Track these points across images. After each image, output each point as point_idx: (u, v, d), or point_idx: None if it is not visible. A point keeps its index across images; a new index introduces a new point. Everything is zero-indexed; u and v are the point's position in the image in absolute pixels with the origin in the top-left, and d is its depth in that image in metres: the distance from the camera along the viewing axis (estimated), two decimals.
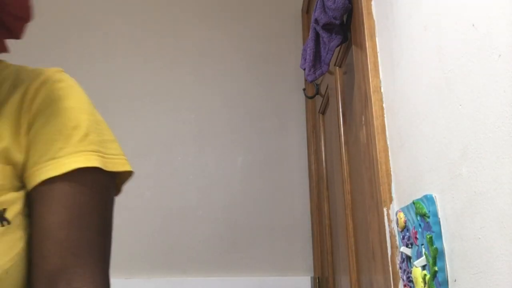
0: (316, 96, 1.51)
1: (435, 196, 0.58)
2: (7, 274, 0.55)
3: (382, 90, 0.80)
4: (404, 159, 0.70)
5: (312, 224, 1.54)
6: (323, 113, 1.44)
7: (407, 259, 0.66)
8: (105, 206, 0.60)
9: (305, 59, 1.11)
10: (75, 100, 0.60)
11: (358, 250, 0.96)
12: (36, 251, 0.57)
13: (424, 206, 0.59)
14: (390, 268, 0.72)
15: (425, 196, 0.59)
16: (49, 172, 0.57)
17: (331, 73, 1.22)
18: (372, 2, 0.85)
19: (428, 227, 0.58)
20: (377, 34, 0.83)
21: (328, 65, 1.01)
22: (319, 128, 1.49)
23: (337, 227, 1.19)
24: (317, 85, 1.48)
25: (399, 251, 0.69)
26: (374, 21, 0.84)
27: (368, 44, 0.83)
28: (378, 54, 0.82)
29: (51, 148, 0.58)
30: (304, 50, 1.15)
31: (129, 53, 1.74)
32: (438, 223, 0.57)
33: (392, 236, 0.73)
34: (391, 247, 0.72)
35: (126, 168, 0.60)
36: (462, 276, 0.51)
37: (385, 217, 0.74)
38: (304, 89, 1.58)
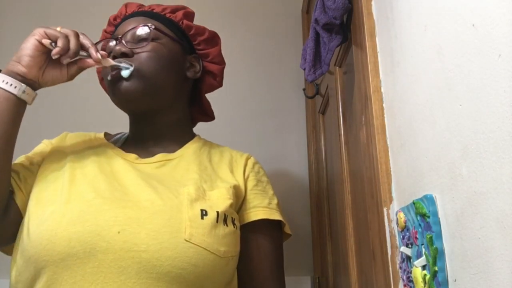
0: (316, 96, 1.50)
1: (435, 196, 0.58)
2: (232, 259, 0.82)
3: (382, 90, 0.80)
4: (404, 159, 0.70)
5: (312, 224, 1.54)
6: (323, 113, 1.44)
7: (407, 259, 0.66)
8: (283, 251, 0.97)
9: (305, 59, 1.11)
10: (268, 179, 1.02)
11: (358, 250, 0.95)
12: (252, 260, 0.90)
13: (424, 206, 0.59)
14: (390, 268, 0.72)
15: (425, 196, 0.59)
16: (265, 215, 0.92)
17: (331, 73, 1.22)
18: (372, 2, 0.85)
19: (428, 227, 0.58)
20: (377, 34, 0.83)
21: (328, 65, 1.01)
22: (319, 128, 1.49)
23: (337, 227, 1.19)
24: (317, 85, 1.47)
25: (399, 251, 0.69)
26: (374, 21, 0.84)
27: (368, 44, 0.83)
28: (378, 54, 0.82)
29: (264, 201, 0.94)
30: (304, 50, 1.15)
31: None
32: (438, 223, 0.57)
33: (392, 236, 0.73)
34: (391, 247, 0.72)
35: (290, 232, 0.98)
36: (462, 276, 0.51)
37: (385, 217, 0.74)
38: (304, 89, 1.58)
